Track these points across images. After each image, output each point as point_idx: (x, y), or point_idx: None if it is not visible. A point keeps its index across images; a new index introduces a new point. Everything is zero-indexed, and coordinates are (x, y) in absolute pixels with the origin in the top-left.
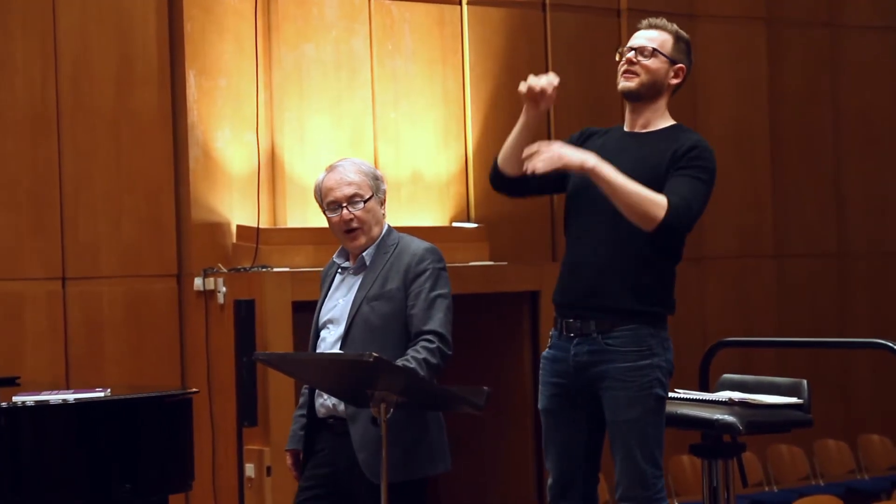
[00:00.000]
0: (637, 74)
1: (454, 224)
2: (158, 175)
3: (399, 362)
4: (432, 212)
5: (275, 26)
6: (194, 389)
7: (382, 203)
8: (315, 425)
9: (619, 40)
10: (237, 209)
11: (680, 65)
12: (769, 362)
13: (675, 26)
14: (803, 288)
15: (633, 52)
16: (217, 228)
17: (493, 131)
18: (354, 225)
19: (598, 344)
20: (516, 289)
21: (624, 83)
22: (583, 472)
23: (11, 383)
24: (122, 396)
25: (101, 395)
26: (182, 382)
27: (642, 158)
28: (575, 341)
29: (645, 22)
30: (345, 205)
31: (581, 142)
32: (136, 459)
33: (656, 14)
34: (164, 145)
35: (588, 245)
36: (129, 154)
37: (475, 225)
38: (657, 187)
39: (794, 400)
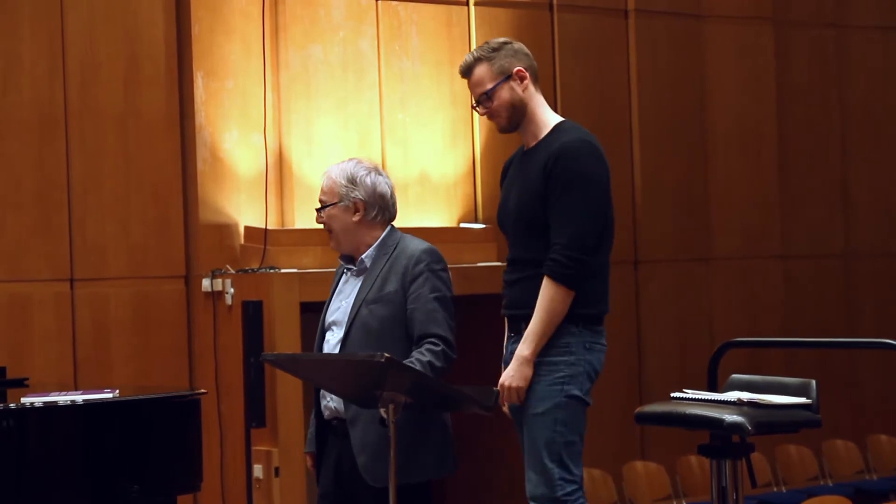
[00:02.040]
0: (496, 117)
1: (462, 225)
2: (166, 176)
3: (405, 363)
4: (440, 212)
5: (282, 27)
6: (202, 390)
7: (357, 210)
8: (323, 427)
9: (626, 41)
10: (245, 210)
11: (515, 70)
12: (776, 362)
13: (477, 50)
14: (810, 288)
15: (478, 107)
16: (225, 229)
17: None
18: (328, 230)
19: (514, 346)
20: None
21: (498, 129)
22: None
23: (20, 384)
24: (131, 397)
25: (110, 396)
26: (190, 383)
27: (525, 182)
28: (511, 340)
29: (460, 72)
30: (316, 210)
31: (503, 181)
32: (144, 460)
33: (663, 16)
34: (172, 146)
35: (514, 252)
36: (137, 155)
37: (483, 226)
38: (539, 205)
39: (802, 400)
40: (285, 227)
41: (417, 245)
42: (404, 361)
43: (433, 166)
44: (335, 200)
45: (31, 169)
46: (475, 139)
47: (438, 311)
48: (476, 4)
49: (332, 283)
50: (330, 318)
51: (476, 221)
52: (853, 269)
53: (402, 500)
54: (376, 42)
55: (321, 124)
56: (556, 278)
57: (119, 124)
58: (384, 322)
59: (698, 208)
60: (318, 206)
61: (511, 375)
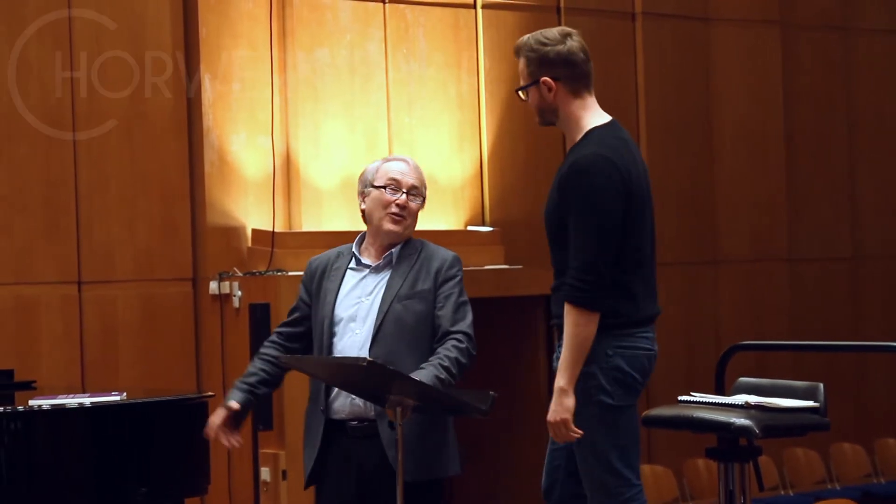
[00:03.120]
0: (535, 114)
1: (469, 228)
2: (173, 179)
3: (434, 360)
4: (447, 215)
5: (289, 31)
6: (210, 393)
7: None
8: (331, 428)
9: (634, 43)
10: (252, 213)
11: (541, 79)
12: (783, 365)
13: (528, 38)
14: (817, 291)
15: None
16: (232, 232)
17: (507, 135)
18: (404, 213)
19: (558, 352)
20: (531, 292)
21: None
22: (562, 478)
23: (27, 387)
24: (138, 400)
25: (117, 398)
26: (197, 386)
27: (553, 191)
28: (557, 347)
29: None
30: (405, 191)
31: None
32: (151, 463)
33: (670, 19)
34: (179, 149)
35: (551, 258)
36: (144, 158)
37: (490, 228)
38: (557, 218)
39: (810, 403)
40: (292, 230)
41: (447, 251)
42: (433, 358)
43: (440, 169)
44: (424, 196)
45: (39, 172)
46: (482, 142)
47: (465, 313)
48: (483, 7)
49: (323, 275)
50: (343, 313)
51: (483, 224)
52: (860, 272)
53: (424, 495)
54: (383, 45)
55: (328, 127)
56: (573, 302)
57: (126, 127)
58: (419, 318)
59: (705, 211)
60: (416, 193)
61: (553, 410)
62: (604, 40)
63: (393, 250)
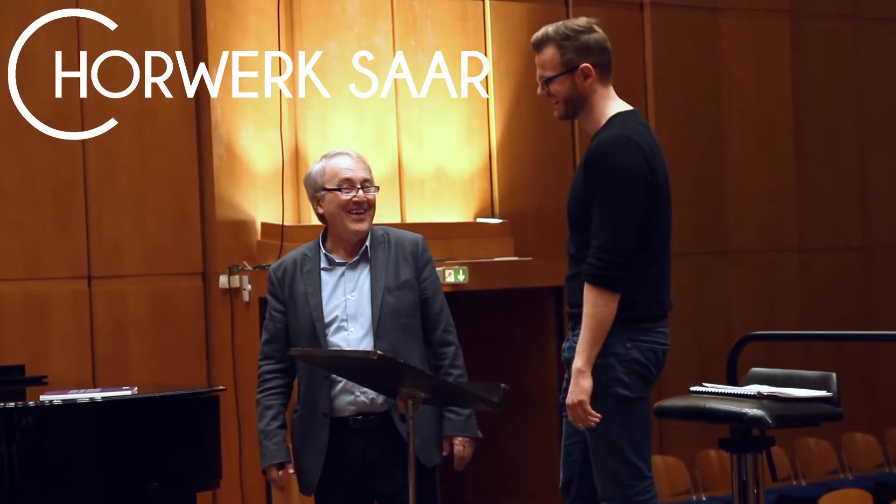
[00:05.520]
0: (553, 104)
1: (478, 220)
2: (183, 173)
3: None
4: (456, 207)
5: (297, 24)
6: (220, 387)
7: None
8: (332, 427)
9: (642, 34)
10: (261, 206)
11: (581, 65)
12: (795, 356)
13: (554, 27)
14: (827, 281)
15: (539, 86)
16: (241, 226)
17: (516, 127)
18: (366, 207)
19: (572, 341)
20: (541, 284)
21: (555, 114)
22: (579, 471)
23: (38, 382)
24: (149, 394)
25: (128, 393)
26: (208, 380)
27: (575, 177)
28: (570, 336)
29: (531, 43)
30: (359, 187)
31: None
32: (163, 457)
33: (678, 8)
34: (188, 144)
35: (568, 246)
36: (153, 153)
37: (499, 220)
38: (579, 203)
39: (823, 393)
40: (302, 223)
41: (411, 233)
42: (454, 379)
43: (449, 161)
44: (375, 183)
45: (48, 168)
46: (491, 134)
47: (446, 307)
48: None
49: (290, 282)
50: (331, 313)
51: (492, 216)
52: (871, 262)
53: (435, 478)
54: (391, 37)
55: (337, 120)
56: (593, 282)
57: (135, 122)
58: (412, 308)
59: (715, 201)
60: (369, 184)
61: (570, 392)
62: (612, 30)
63: (366, 244)
